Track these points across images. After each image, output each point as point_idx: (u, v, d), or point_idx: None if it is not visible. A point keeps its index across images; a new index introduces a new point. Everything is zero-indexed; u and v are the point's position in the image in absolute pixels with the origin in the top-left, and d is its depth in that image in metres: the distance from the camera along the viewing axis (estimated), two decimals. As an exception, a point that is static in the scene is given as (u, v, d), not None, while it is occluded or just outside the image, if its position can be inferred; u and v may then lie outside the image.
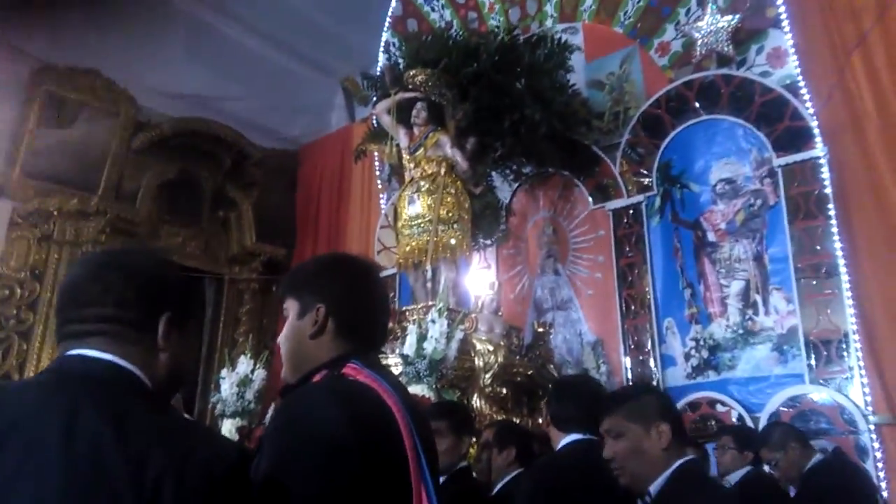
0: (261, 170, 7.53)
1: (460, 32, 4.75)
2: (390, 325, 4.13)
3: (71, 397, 0.97)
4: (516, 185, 5.58)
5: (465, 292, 4.66)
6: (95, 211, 6.03)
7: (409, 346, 3.58)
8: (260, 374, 4.44)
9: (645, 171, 4.85)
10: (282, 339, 1.52)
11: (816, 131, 4.12)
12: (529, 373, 4.05)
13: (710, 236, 4.50)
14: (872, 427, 3.53)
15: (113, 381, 1.05)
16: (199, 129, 6.94)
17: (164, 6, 7.06)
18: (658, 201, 4.80)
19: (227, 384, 4.32)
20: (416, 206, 4.38)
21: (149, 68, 7.04)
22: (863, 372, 3.67)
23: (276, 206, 7.82)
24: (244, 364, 4.48)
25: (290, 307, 1.51)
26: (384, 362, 3.66)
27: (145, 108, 6.85)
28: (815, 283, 3.97)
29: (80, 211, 6.01)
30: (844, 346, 3.77)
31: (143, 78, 6.92)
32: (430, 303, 4.06)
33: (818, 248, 3.99)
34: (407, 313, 4.20)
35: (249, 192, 7.45)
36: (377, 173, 6.69)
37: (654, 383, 4.45)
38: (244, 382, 4.37)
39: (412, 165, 4.49)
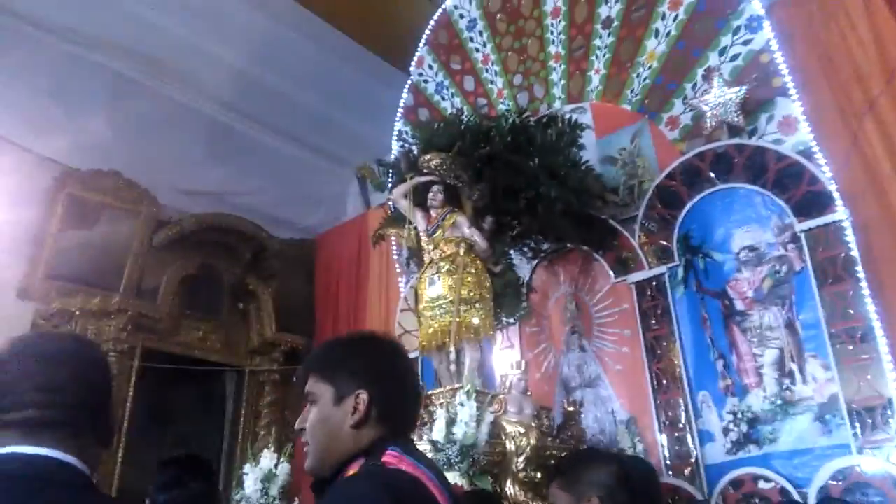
0: (279, 260, 7.60)
1: (472, 117, 4.85)
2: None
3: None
4: (535, 261, 5.57)
5: (491, 373, 4.56)
6: (117, 309, 6.07)
7: (439, 432, 3.47)
8: (284, 468, 4.31)
9: (665, 243, 4.82)
10: (310, 427, 1.39)
11: (836, 195, 4.10)
12: (563, 455, 3.90)
13: (738, 305, 4.42)
14: (930, 497, 3.34)
15: (59, 480, 1.01)
16: (218, 223, 7.07)
17: (183, 109, 7.33)
18: (681, 272, 4.75)
19: (251, 480, 4.19)
20: (436, 288, 4.35)
21: (169, 167, 7.25)
22: (912, 438, 3.50)
23: (295, 295, 7.85)
24: (267, 458, 4.35)
25: (321, 392, 1.39)
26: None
27: (166, 206, 7.00)
28: (851, 348, 3.85)
29: (102, 310, 6.05)
30: (889, 412, 3.61)
31: (164, 177, 7.11)
32: (457, 385, 3.98)
33: (851, 312, 3.89)
34: (433, 397, 4.11)
35: (269, 283, 7.49)
36: (395, 257, 6.72)
37: (693, 461, 4.28)
38: (268, 478, 4.23)
39: (431, 247, 4.49)
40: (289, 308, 7.53)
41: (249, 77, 7.39)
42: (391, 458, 1.28)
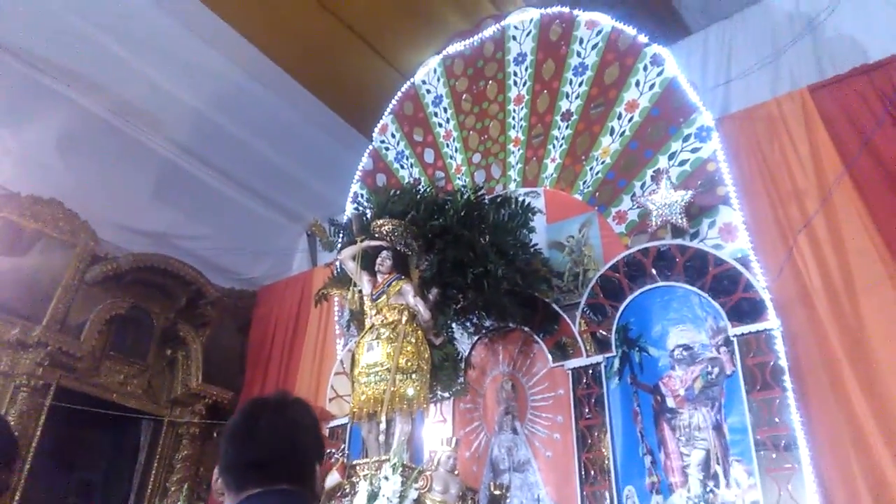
0: (215, 309, 7.40)
1: (428, 188, 4.91)
2: (340, 479, 3.93)
3: None
4: (476, 338, 5.56)
5: (420, 447, 4.47)
6: (36, 342, 5.77)
7: (359, 505, 3.36)
8: (192, 528, 4.09)
9: (604, 332, 4.88)
10: None
11: (769, 304, 4.24)
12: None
13: (670, 402, 4.46)
14: None
15: None
16: (156, 264, 6.88)
17: (137, 146, 7.23)
18: (617, 363, 4.80)
19: (156, 539, 3.95)
20: (374, 354, 4.28)
21: (114, 203, 7.09)
22: (829, 553, 3.54)
23: (227, 347, 7.63)
24: (176, 517, 4.13)
25: None
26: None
27: (105, 242, 6.80)
28: (774, 456, 3.90)
29: (20, 341, 5.75)
30: (808, 523, 3.65)
31: (108, 212, 6.94)
32: (384, 457, 3.87)
33: (776, 420, 3.96)
34: (357, 468, 3.98)
35: (201, 331, 7.26)
36: (336, 318, 6.61)
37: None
38: (174, 538, 4.01)
39: (373, 312, 4.44)
40: (218, 360, 7.30)
41: (210, 122, 7.37)
42: None
